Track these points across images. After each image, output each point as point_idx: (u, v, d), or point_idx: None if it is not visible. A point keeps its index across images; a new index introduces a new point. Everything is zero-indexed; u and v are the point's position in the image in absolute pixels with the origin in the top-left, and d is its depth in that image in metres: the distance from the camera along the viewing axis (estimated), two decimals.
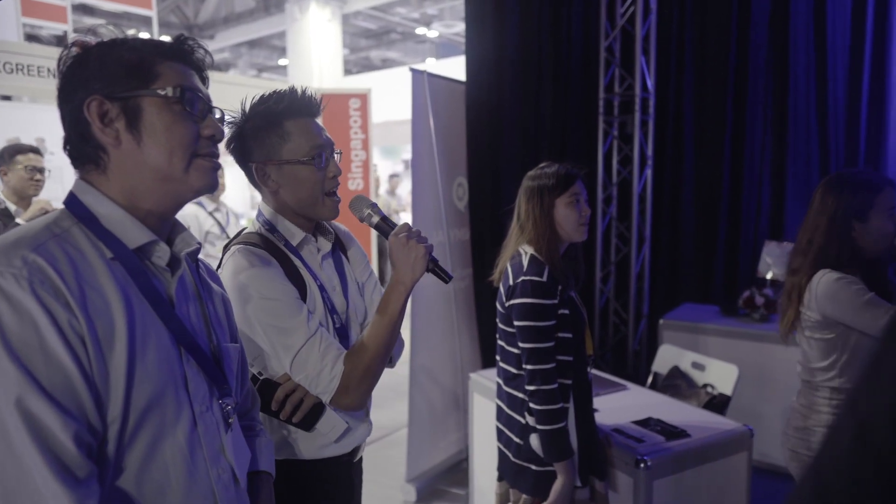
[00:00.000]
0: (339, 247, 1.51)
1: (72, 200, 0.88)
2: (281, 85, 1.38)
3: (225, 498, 0.94)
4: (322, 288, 1.37)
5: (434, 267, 1.29)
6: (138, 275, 0.87)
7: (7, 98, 6.82)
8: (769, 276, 3.60)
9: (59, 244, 0.81)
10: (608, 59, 3.96)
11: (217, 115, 0.97)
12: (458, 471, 3.55)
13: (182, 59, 0.93)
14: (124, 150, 0.87)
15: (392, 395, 4.57)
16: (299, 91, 1.35)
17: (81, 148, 0.88)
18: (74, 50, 0.88)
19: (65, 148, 0.91)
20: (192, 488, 0.89)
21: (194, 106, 0.90)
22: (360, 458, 1.52)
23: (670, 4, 4.00)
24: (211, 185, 0.94)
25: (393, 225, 1.32)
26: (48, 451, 0.73)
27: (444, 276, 1.31)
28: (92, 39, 0.89)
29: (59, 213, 0.87)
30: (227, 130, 1.36)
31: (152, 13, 8.21)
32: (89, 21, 12.31)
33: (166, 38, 0.95)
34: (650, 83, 3.93)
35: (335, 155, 1.39)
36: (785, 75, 3.78)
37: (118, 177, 0.88)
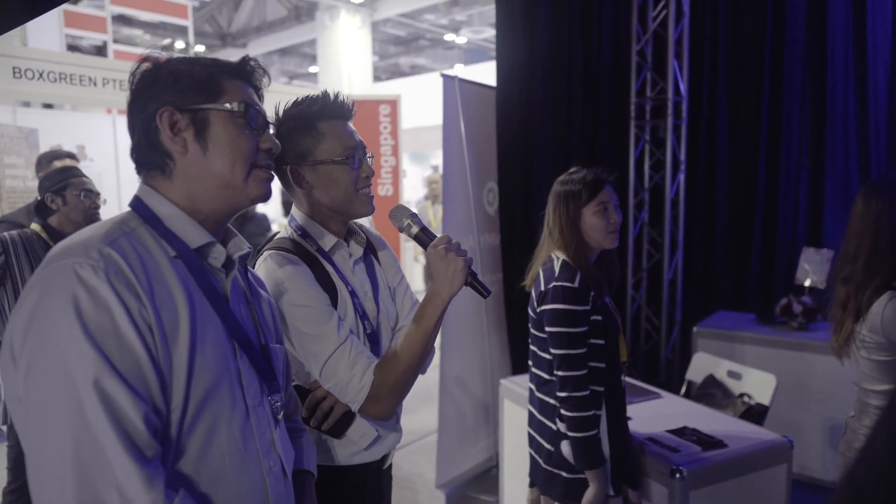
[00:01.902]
0: (371, 251, 1.51)
1: (137, 203, 0.95)
2: (312, 91, 1.40)
3: (275, 489, 0.98)
4: (353, 293, 1.37)
5: (472, 281, 1.28)
6: (198, 272, 0.93)
7: (49, 106, 7.06)
8: (807, 283, 3.51)
9: (130, 241, 0.87)
10: (640, 62, 3.91)
11: (272, 131, 1.03)
12: (487, 477, 3.53)
13: (244, 77, 1.00)
14: (190, 158, 0.94)
15: (422, 400, 4.57)
16: (332, 95, 1.37)
17: (150, 154, 0.94)
18: (146, 65, 0.95)
19: (132, 154, 0.97)
20: (246, 477, 0.92)
21: (255, 121, 0.97)
22: (390, 465, 1.52)
23: (703, 7, 3.95)
24: (266, 194, 1.00)
25: (432, 236, 1.31)
26: (121, 430, 0.77)
27: (483, 291, 1.29)
28: (162, 56, 0.96)
29: (127, 214, 0.94)
30: None
31: (188, 23, 8.41)
32: (127, 31, 12.65)
33: (197, 52, 1.01)
34: (683, 87, 3.87)
35: (368, 158, 1.41)
36: (823, 76, 3.69)
37: (182, 182, 0.95)
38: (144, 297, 0.82)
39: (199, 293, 0.91)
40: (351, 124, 1.41)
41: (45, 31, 7.13)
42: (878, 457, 0.40)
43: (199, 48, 15.83)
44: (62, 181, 2.41)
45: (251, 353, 0.97)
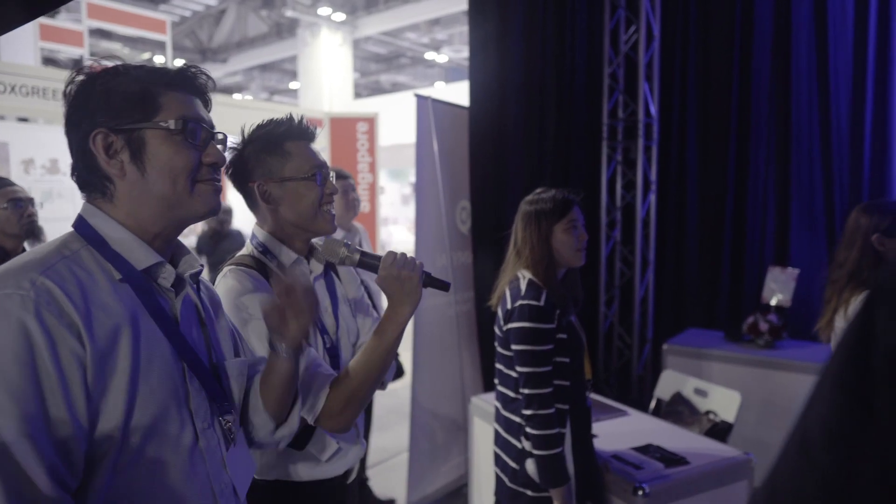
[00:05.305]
0: (331, 268, 1.54)
1: (81, 223, 0.91)
2: (292, 108, 1.44)
3: None
4: None
5: (430, 282, 1.30)
6: (145, 294, 0.89)
7: (24, 120, 6.98)
8: (774, 301, 3.58)
9: (69, 266, 0.83)
10: (611, 85, 4.00)
11: (220, 137, 0.99)
12: (459, 496, 3.52)
13: (184, 87, 0.95)
14: (129, 181, 0.90)
15: (394, 418, 4.55)
16: (296, 118, 1.41)
17: (88, 178, 0.91)
18: (80, 78, 0.90)
19: (72, 175, 0.93)
20: (195, 501, 0.91)
21: (196, 136, 0.93)
22: (355, 481, 1.52)
23: (673, 31, 4.05)
24: (213, 209, 0.97)
25: (376, 257, 1.30)
26: (12, 488, 0.72)
27: (443, 286, 1.32)
28: (97, 66, 0.92)
29: (69, 235, 0.90)
30: (228, 155, 1.41)
31: (166, 38, 8.39)
32: (106, 45, 12.58)
33: (171, 66, 0.97)
34: (653, 109, 3.96)
35: (331, 177, 1.45)
36: (787, 101, 3.80)
37: (125, 204, 0.91)
38: (80, 326, 0.79)
39: (146, 316, 0.88)
40: (313, 146, 1.44)
41: (19, 44, 7.06)
42: (789, 460, 0.42)
43: (179, 62, 15.79)
44: None
45: (201, 373, 0.95)
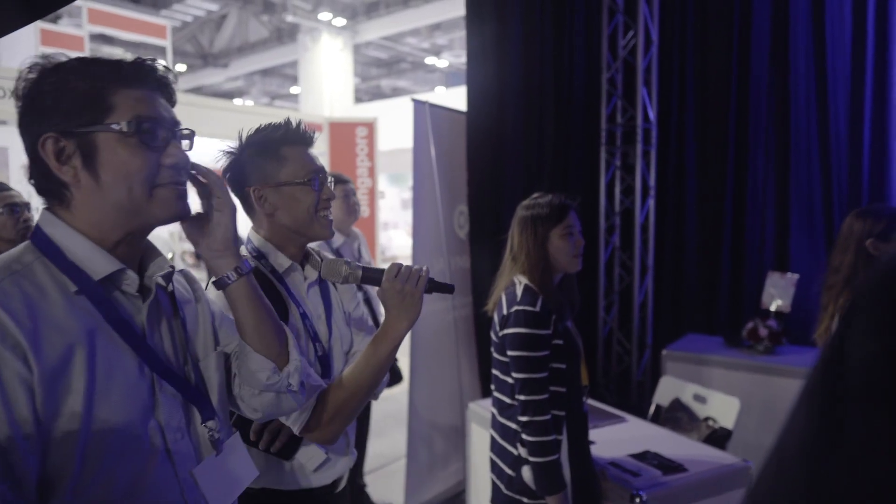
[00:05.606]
0: None
1: (37, 233, 0.86)
2: (293, 113, 1.42)
3: None
4: (305, 316, 1.38)
5: (434, 287, 1.28)
6: (105, 306, 0.84)
7: None
8: (773, 307, 3.56)
9: (17, 282, 0.79)
10: (610, 90, 3.99)
11: (186, 132, 0.92)
12: (457, 502, 3.50)
13: (141, 82, 0.88)
14: (84, 188, 0.85)
15: (392, 423, 4.53)
16: (294, 122, 1.40)
17: (44, 184, 0.86)
18: (31, 76, 0.84)
19: (29, 180, 0.88)
20: None
21: (154, 136, 0.86)
22: (343, 490, 1.51)
23: (671, 36, 4.05)
24: (176, 214, 0.91)
25: (379, 271, 1.28)
26: None
27: (447, 290, 1.30)
28: (49, 62, 0.85)
29: (24, 247, 0.86)
30: (224, 160, 1.40)
31: (167, 43, 8.41)
32: (107, 50, 12.61)
33: (126, 58, 0.89)
34: (652, 114, 3.96)
35: (329, 182, 1.44)
36: (786, 106, 3.79)
37: (82, 212, 0.86)
38: (26, 348, 0.74)
39: (107, 330, 0.83)
40: (311, 151, 1.43)
41: (19, 48, 7.07)
42: (767, 478, 0.41)
43: (181, 67, 15.83)
44: None
45: (175, 382, 0.90)
